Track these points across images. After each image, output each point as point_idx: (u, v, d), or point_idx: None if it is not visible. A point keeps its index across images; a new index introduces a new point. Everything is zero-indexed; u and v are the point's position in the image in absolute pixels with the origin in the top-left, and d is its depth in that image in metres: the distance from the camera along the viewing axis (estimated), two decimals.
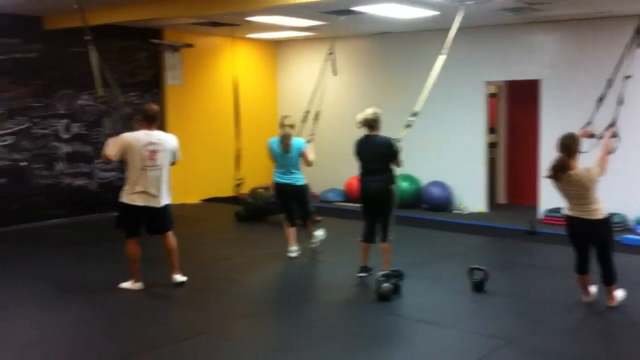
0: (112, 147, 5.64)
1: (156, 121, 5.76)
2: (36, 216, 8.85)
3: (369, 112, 6.02)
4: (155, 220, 5.76)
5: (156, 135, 5.71)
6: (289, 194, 7.02)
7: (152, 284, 5.92)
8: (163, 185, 5.73)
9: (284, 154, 6.85)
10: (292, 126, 6.86)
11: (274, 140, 6.93)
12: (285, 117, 6.97)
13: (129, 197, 5.65)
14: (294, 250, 7.03)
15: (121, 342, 4.66)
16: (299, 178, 6.97)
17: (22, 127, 8.75)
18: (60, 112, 9.16)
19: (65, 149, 9.22)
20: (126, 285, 5.83)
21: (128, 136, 5.65)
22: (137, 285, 5.83)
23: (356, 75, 10.90)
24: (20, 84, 8.71)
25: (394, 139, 5.90)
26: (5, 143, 8.54)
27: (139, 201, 5.64)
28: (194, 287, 5.97)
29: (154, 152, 5.62)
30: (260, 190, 9.57)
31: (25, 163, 8.77)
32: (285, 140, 6.81)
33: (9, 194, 8.57)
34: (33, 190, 8.88)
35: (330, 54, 7.78)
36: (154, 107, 5.86)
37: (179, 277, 5.90)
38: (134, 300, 5.60)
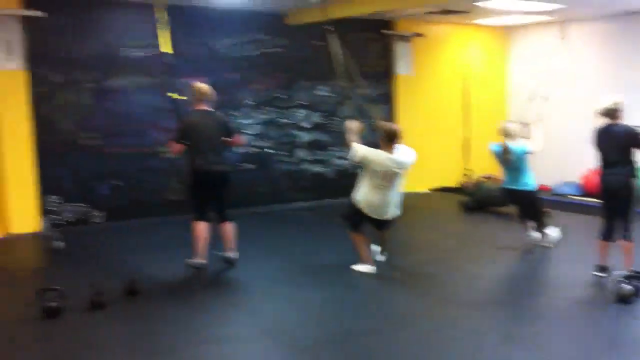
0: (357, 149, 5.91)
1: (397, 140, 5.88)
2: (280, 199, 9.72)
3: (609, 101, 5.65)
4: (381, 224, 6.20)
5: (397, 159, 5.85)
6: (517, 200, 6.89)
7: (383, 267, 6.24)
8: (393, 202, 6.03)
9: (507, 164, 6.74)
10: (512, 136, 6.67)
11: (496, 147, 6.78)
12: (505, 125, 6.80)
13: (361, 203, 6.01)
14: (532, 233, 6.94)
15: (356, 320, 4.96)
16: (527, 183, 6.75)
17: (268, 117, 9.62)
18: (301, 102, 9.89)
19: (305, 137, 9.95)
20: (360, 267, 6.19)
21: (371, 153, 5.88)
22: (370, 268, 6.17)
23: (594, 59, 10.20)
24: (268, 77, 9.56)
25: (637, 127, 5.48)
26: (254, 131, 9.46)
27: (369, 212, 6.02)
28: (421, 274, 6.17)
29: (391, 174, 5.87)
30: (483, 180, 9.47)
31: (270, 150, 9.65)
32: (505, 155, 6.66)
33: (257, 177, 9.50)
34: (277, 175, 9.75)
35: (562, 38, 7.42)
36: (396, 127, 5.97)
37: (380, 257, 6.41)
38: (366, 282, 5.93)
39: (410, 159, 6.00)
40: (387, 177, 5.88)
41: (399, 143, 5.92)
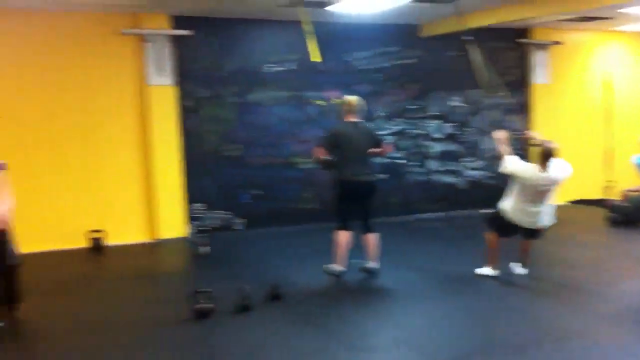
0: (508, 163, 5.87)
1: (552, 159, 5.72)
2: (411, 209, 9.74)
3: None
4: (531, 233, 6.11)
5: (548, 176, 5.73)
6: None
7: (527, 280, 6.11)
8: (543, 213, 5.90)
9: None
10: None
11: (639, 159, 6.43)
12: None
13: (509, 213, 5.94)
14: None
15: (498, 333, 4.87)
16: None
17: (400, 127, 9.68)
18: (433, 113, 9.86)
19: (437, 147, 9.91)
20: (483, 270, 6.18)
21: (522, 168, 5.82)
22: (492, 272, 6.15)
23: None
24: (400, 88, 9.64)
25: None
26: (386, 141, 9.52)
27: (519, 220, 5.93)
28: (567, 287, 5.99)
29: (543, 192, 5.78)
30: (634, 193, 8.98)
31: (402, 161, 9.70)
32: None
33: (389, 188, 9.56)
34: (408, 185, 9.78)
35: None
36: (553, 146, 5.75)
37: (521, 270, 6.26)
38: (508, 294, 5.82)
39: (565, 174, 5.84)
40: (537, 192, 5.76)
41: (551, 161, 5.73)
